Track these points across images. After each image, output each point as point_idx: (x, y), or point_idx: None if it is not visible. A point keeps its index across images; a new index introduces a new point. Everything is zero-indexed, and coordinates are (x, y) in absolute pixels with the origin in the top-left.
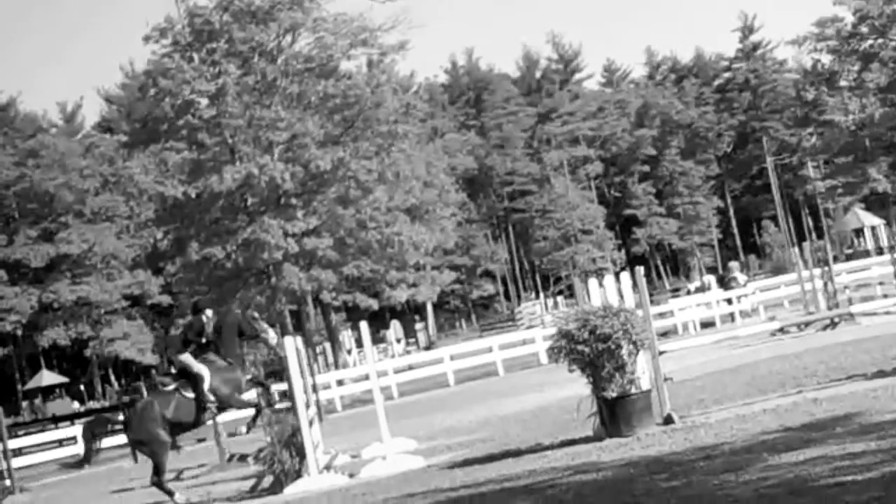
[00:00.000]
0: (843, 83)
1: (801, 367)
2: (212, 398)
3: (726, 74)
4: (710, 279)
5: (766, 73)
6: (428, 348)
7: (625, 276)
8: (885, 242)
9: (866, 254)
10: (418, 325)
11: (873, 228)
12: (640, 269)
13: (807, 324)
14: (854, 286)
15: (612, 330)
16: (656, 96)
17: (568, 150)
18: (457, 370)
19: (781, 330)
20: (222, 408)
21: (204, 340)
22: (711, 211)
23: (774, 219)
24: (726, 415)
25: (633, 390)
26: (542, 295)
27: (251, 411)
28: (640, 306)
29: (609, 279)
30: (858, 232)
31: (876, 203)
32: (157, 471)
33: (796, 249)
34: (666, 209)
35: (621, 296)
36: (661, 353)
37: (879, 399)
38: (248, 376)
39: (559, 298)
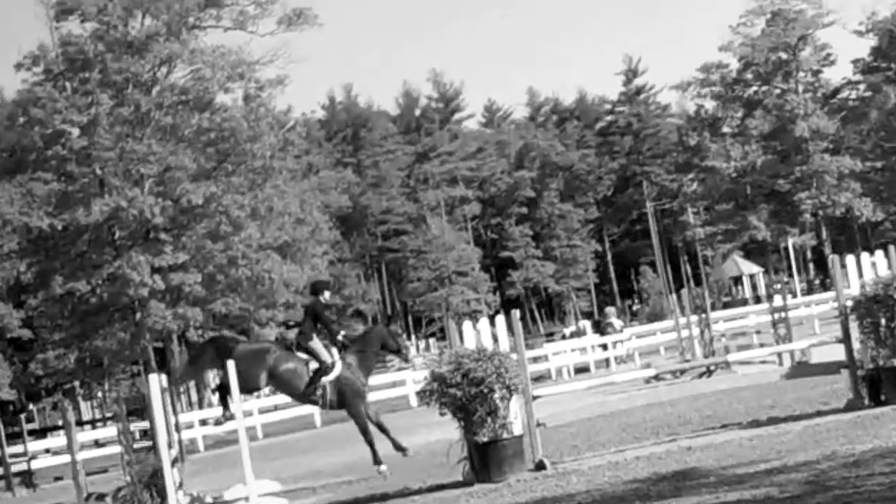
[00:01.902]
0: (725, 129)
1: (676, 414)
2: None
3: (609, 117)
4: (586, 324)
5: (649, 117)
6: None
7: (499, 320)
8: (762, 291)
9: (744, 302)
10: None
11: (752, 276)
12: (516, 313)
13: (682, 371)
14: (731, 334)
15: (486, 374)
16: (537, 138)
17: (445, 190)
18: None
19: (657, 377)
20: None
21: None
22: (589, 255)
23: (653, 264)
24: (599, 462)
25: (505, 435)
26: (414, 337)
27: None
28: (514, 350)
29: (483, 322)
30: (737, 280)
31: (755, 251)
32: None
33: (674, 296)
34: (543, 252)
35: (495, 339)
36: (534, 397)
37: (754, 448)
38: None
39: (431, 340)
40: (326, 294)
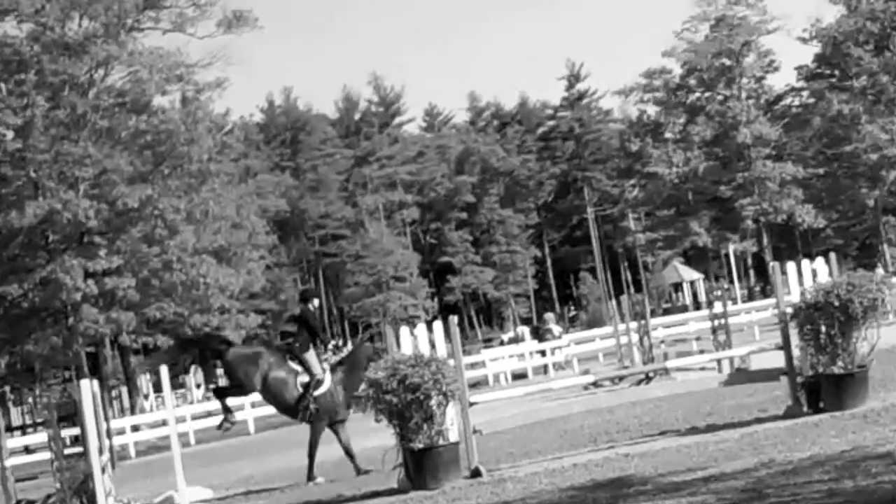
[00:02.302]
0: (668, 135)
1: (614, 421)
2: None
3: (550, 123)
4: (525, 330)
5: (591, 122)
6: None
7: (437, 325)
8: (703, 297)
9: (684, 308)
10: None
11: (692, 283)
12: (454, 319)
13: (621, 378)
14: (670, 341)
15: (422, 380)
16: (478, 142)
17: (385, 195)
18: (258, 417)
19: (595, 384)
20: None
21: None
22: (529, 261)
23: (593, 270)
24: (536, 469)
25: (441, 442)
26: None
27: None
28: (451, 356)
29: (421, 328)
30: (677, 286)
31: (696, 257)
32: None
33: (613, 302)
34: (482, 258)
35: (433, 345)
36: (471, 404)
37: (692, 455)
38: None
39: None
40: (315, 301)
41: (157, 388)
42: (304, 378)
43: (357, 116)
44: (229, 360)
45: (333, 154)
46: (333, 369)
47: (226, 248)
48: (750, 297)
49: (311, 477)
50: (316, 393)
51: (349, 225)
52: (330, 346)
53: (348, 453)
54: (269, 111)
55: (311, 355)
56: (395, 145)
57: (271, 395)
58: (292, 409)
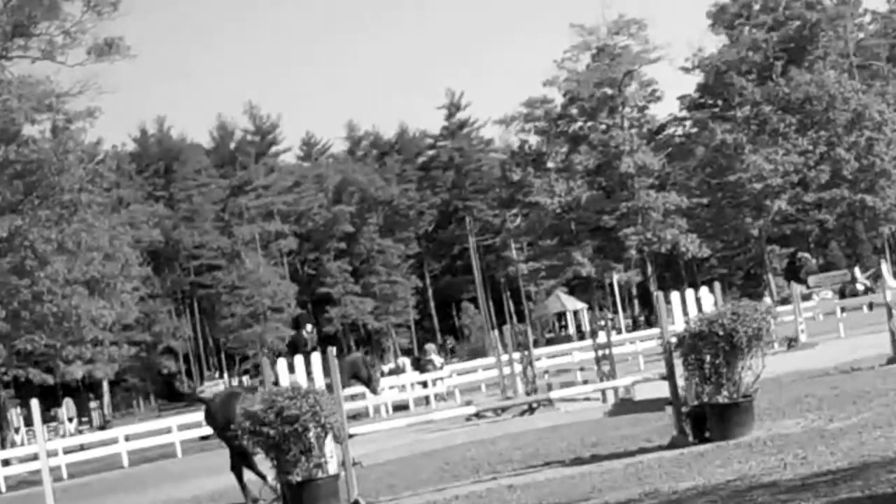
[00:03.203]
0: (550, 165)
1: (497, 452)
2: None
3: (430, 152)
4: (405, 361)
5: (472, 151)
6: (102, 428)
7: (315, 357)
8: (587, 327)
9: (568, 338)
10: (93, 404)
11: (576, 313)
12: (332, 350)
13: (504, 409)
14: (554, 371)
15: (300, 412)
16: (356, 172)
17: (261, 225)
18: (132, 451)
19: (477, 415)
20: None
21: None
22: (409, 291)
23: (475, 300)
24: (417, 501)
25: (321, 475)
26: (226, 374)
27: None
28: (330, 388)
29: (299, 359)
30: (561, 316)
31: (580, 287)
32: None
33: (496, 332)
34: (362, 288)
35: (311, 377)
36: (351, 436)
37: (576, 486)
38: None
39: (245, 378)
40: (308, 327)
41: (29, 421)
42: None
43: (232, 146)
44: (212, 408)
45: (208, 184)
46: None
47: (98, 279)
48: (635, 327)
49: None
50: None
51: (225, 255)
52: None
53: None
54: (142, 140)
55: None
56: (272, 175)
57: None
58: None
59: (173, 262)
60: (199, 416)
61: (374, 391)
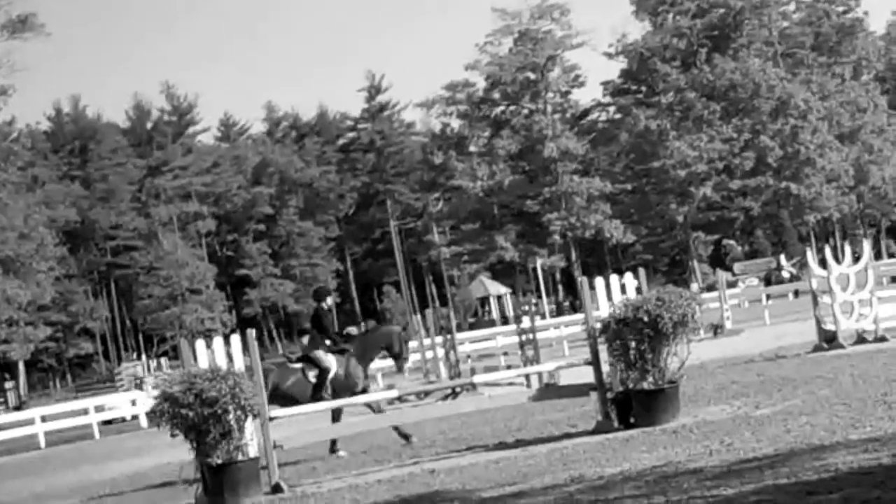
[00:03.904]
0: (472, 148)
1: (420, 437)
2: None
3: (351, 134)
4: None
5: (393, 134)
6: (18, 408)
7: (235, 339)
8: (510, 312)
9: (491, 323)
10: (8, 384)
11: (499, 297)
12: (252, 332)
13: (427, 393)
14: (477, 356)
15: (220, 394)
16: (275, 153)
17: (178, 206)
18: (48, 432)
19: (400, 398)
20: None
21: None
22: (330, 274)
23: (397, 284)
24: (339, 484)
25: (241, 457)
26: (144, 356)
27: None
28: (250, 370)
29: (218, 341)
30: (484, 301)
31: (503, 272)
32: None
33: (418, 317)
34: (282, 270)
35: (231, 359)
36: (271, 419)
37: (501, 471)
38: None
39: (163, 360)
40: (328, 300)
41: None
42: (312, 372)
43: (149, 126)
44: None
45: (124, 163)
46: (342, 353)
47: (13, 258)
48: (559, 312)
49: (333, 450)
50: (329, 378)
51: (142, 236)
52: (341, 347)
53: (394, 429)
54: (57, 119)
55: (319, 353)
56: (189, 155)
57: (291, 400)
58: (314, 400)
59: (89, 243)
60: (114, 398)
61: (399, 368)
